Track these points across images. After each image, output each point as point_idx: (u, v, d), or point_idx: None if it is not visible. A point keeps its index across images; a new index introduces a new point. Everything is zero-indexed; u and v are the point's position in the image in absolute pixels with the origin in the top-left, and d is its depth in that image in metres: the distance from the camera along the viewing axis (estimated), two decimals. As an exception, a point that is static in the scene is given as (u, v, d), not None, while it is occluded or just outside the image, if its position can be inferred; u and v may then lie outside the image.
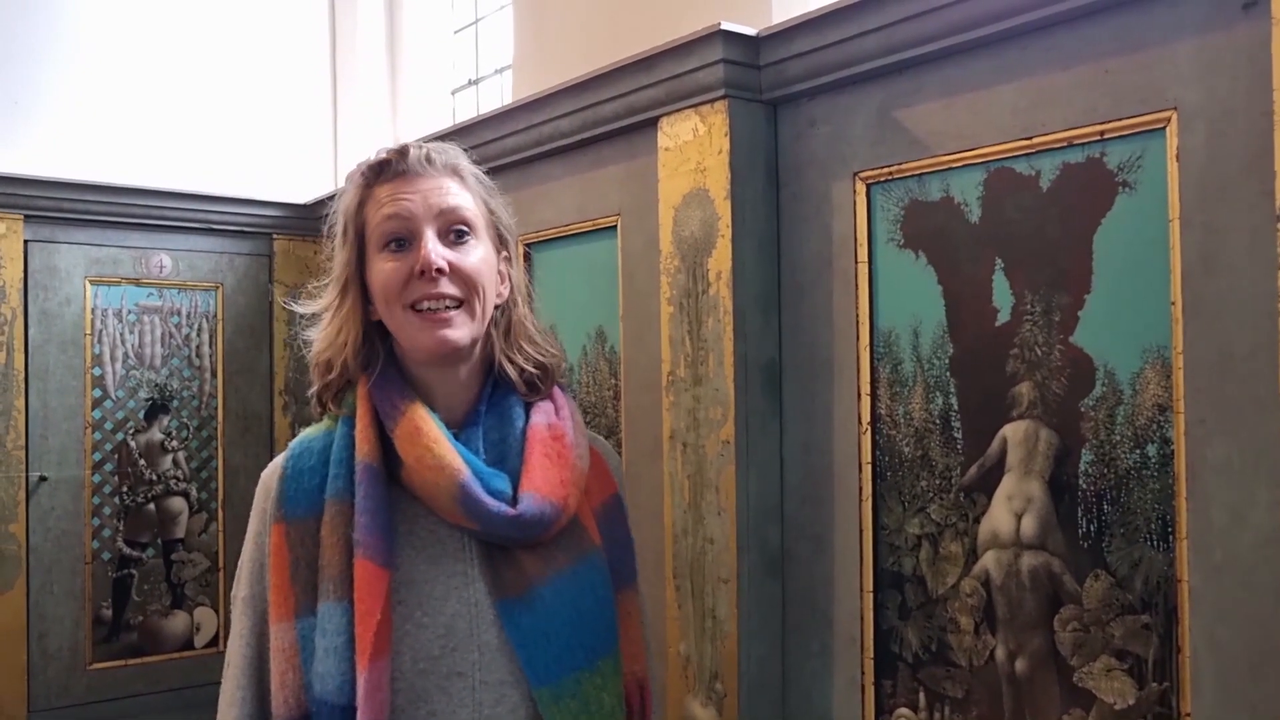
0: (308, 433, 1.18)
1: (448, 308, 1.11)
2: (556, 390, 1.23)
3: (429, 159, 1.15)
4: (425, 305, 1.10)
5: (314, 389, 1.19)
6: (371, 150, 1.19)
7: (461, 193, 1.15)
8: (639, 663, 1.20)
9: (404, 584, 1.09)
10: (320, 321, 1.18)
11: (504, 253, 1.20)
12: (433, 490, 1.09)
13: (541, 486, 1.11)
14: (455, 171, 1.17)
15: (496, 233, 1.20)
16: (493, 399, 1.18)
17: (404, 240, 1.12)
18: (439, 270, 1.09)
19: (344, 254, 1.16)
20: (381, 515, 1.07)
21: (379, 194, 1.14)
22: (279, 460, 1.17)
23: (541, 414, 1.18)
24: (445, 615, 1.09)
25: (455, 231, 1.14)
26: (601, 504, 1.21)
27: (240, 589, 1.16)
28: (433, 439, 1.09)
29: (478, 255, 1.14)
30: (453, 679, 1.08)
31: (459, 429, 1.14)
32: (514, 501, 1.10)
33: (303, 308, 1.22)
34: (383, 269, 1.12)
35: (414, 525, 1.12)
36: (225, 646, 1.21)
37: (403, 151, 1.15)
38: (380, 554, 1.06)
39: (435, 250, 1.10)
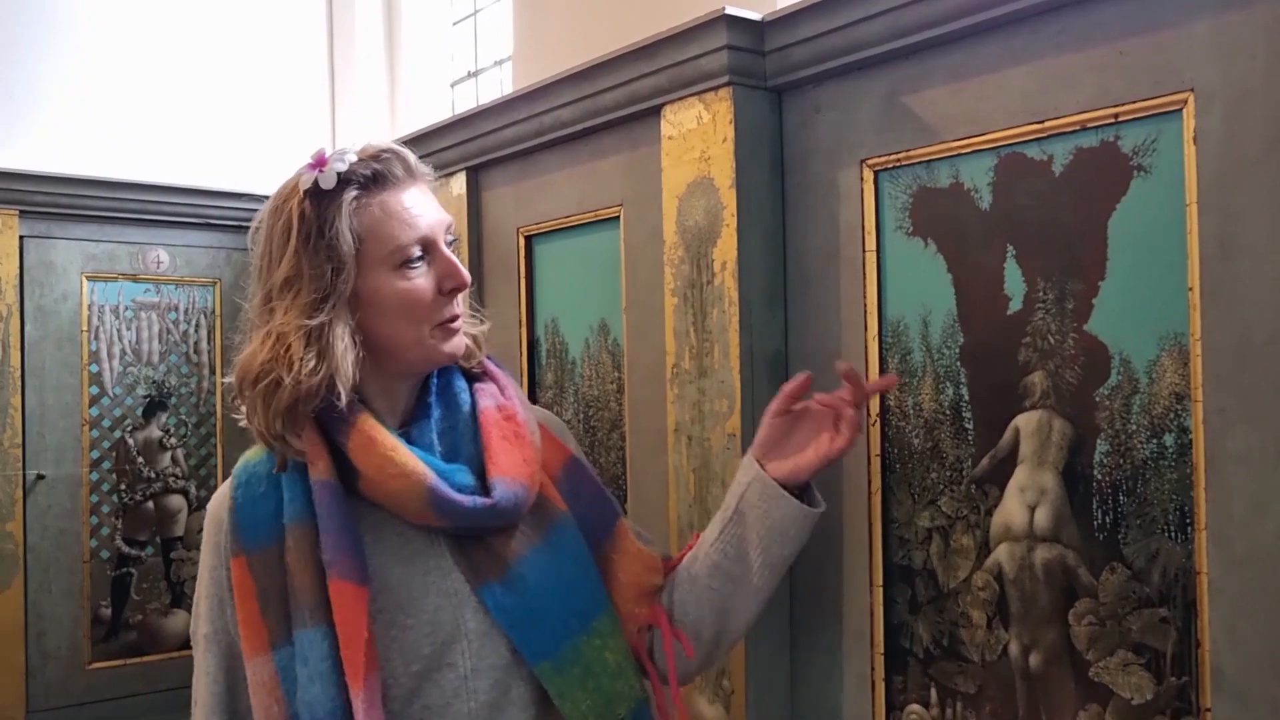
0: (249, 457, 1.13)
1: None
2: (495, 369, 1.22)
3: (417, 167, 1.14)
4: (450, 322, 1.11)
5: (281, 412, 1.04)
6: (359, 145, 1.13)
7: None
8: (642, 604, 1.18)
9: (381, 592, 1.07)
10: (286, 339, 1.04)
11: None
12: (400, 498, 1.06)
13: (509, 470, 1.10)
14: (429, 176, 1.16)
15: None
16: (437, 387, 1.16)
17: (423, 256, 1.10)
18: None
19: (339, 266, 1.05)
20: (348, 532, 1.04)
21: (389, 204, 1.08)
22: (225, 490, 1.12)
23: (488, 397, 1.17)
24: (428, 611, 1.08)
25: (449, 240, 1.14)
26: (561, 470, 1.19)
27: (200, 625, 1.12)
28: (389, 447, 1.06)
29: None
30: (443, 671, 1.07)
31: (406, 426, 1.12)
32: (483, 490, 1.09)
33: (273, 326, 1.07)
34: (408, 287, 1.08)
35: (380, 533, 1.10)
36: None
37: (404, 160, 1.11)
38: (355, 572, 1.03)
39: (462, 265, 1.11)
